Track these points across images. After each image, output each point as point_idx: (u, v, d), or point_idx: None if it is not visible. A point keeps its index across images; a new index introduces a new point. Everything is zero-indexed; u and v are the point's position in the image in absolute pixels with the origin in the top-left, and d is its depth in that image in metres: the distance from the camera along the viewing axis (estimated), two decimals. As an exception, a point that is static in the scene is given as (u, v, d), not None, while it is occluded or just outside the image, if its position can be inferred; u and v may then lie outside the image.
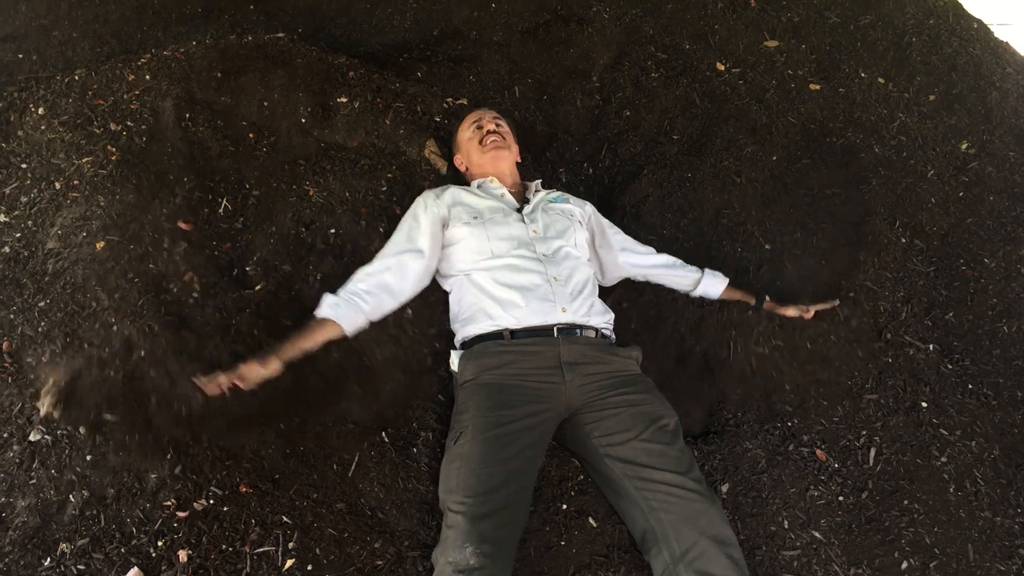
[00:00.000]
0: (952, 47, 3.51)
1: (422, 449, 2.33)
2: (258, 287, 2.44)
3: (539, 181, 2.88)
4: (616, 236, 2.83)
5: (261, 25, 3.62)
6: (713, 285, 2.76)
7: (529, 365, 2.30)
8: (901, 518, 2.23)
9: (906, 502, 2.27)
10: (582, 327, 2.40)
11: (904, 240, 2.88)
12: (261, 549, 1.89)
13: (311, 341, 2.25)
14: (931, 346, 2.63)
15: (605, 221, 2.86)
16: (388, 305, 2.43)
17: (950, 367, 2.59)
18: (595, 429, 2.23)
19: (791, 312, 2.67)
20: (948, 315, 2.72)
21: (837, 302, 2.69)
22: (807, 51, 3.56)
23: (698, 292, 2.77)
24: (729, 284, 2.77)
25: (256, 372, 2.09)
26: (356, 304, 2.33)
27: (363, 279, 2.40)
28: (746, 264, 2.90)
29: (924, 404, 2.49)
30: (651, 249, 2.84)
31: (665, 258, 2.82)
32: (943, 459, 2.37)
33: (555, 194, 2.81)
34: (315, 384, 2.25)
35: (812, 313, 2.66)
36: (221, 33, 3.47)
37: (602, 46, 3.66)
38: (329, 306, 2.30)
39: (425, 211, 2.60)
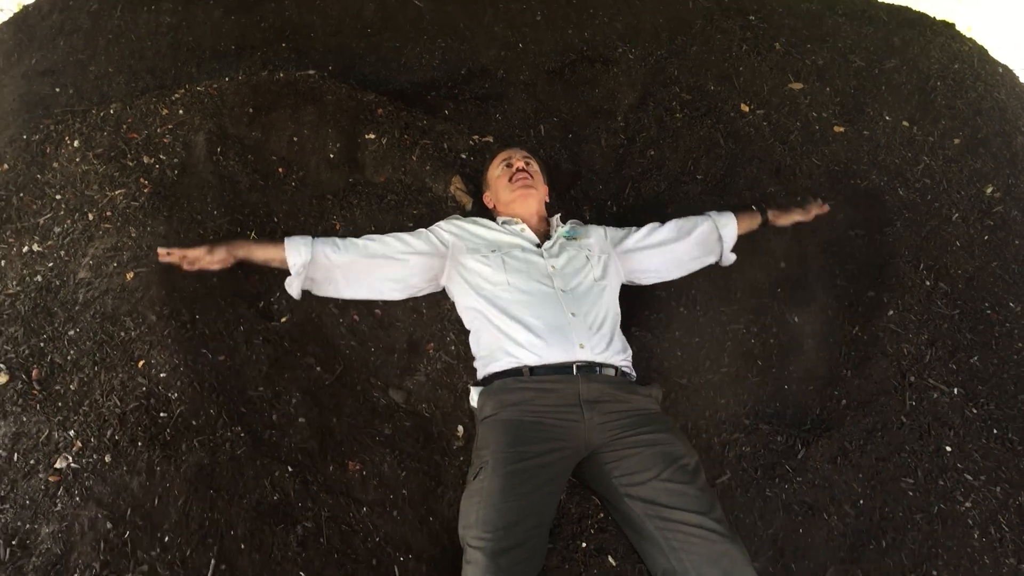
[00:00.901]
0: (977, 91, 3.50)
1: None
2: (283, 319, 2.48)
3: (559, 216, 2.90)
4: (632, 239, 2.85)
5: (292, 62, 3.67)
6: (727, 226, 2.90)
7: (548, 402, 2.31)
8: (924, 563, 2.21)
9: (930, 547, 2.24)
10: (601, 365, 2.40)
11: (928, 283, 2.86)
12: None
13: (261, 251, 2.51)
14: (955, 390, 2.60)
15: (619, 231, 2.88)
16: (341, 279, 2.59)
17: (975, 411, 2.56)
18: (615, 468, 2.23)
19: (796, 216, 2.98)
20: (973, 359, 2.68)
21: (827, 207, 3.01)
22: (831, 94, 3.57)
23: (725, 245, 2.91)
24: (736, 215, 2.93)
25: (204, 259, 2.40)
26: (310, 246, 2.49)
27: (343, 246, 2.55)
28: (764, 303, 2.92)
29: (948, 448, 2.46)
30: (658, 225, 2.89)
31: (672, 225, 2.88)
32: (967, 504, 2.34)
33: (569, 227, 2.83)
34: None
35: (813, 215, 2.98)
36: (253, 70, 3.52)
37: (627, 86, 3.70)
38: (299, 236, 2.52)
39: (440, 229, 2.70)
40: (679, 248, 2.84)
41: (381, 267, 2.59)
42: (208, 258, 2.38)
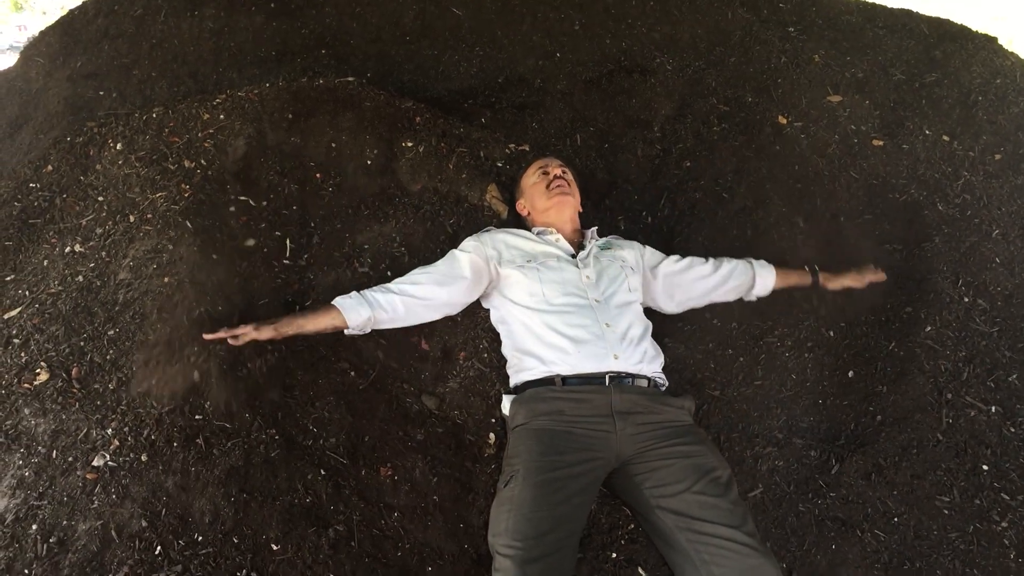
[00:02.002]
0: (1020, 106, 3.46)
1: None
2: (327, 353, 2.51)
3: (595, 228, 2.91)
4: (667, 264, 2.83)
5: (332, 69, 3.71)
6: (765, 279, 2.80)
7: (580, 412, 2.32)
8: (959, 584, 2.19)
9: (965, 567, 2.22)
10: (634, 376, 2.41)
11: (967, 299, 2.83)
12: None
13: (312, 323, 2.39)
14: (993, 408, 2.57)
15: (658, 254, 2.87)
16: (401, 320, 2.53)
17: (1012, 430, 2.53)
18: (646, 480, 2.23)
19: (848, 282, 2.84)
20: (1012, 377, 2.65)
21: (884, 275, 2.85)
22: (871, 107, 3.54)
23: (755, 293, 2.82)
24: (778, 268, 2.83)
25: (251, 335, 2.28)
26: (366, 302, 2.43)
27: (387, 290, 2.50)
28: (799, 320, 2.90)
29: (985, 467, 2.43)
30: (698, 260, 2.85)
31: (712, 263, 2.83)
32: (1004, 524, 2.31)
33: (607, 239, 2.84)
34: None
35: (866, 282, 2.84)
36: (293, 76, 3.57)
37: (664, 97, 3.69)
38: (341, 296, 2.43)
39: (477, 243, 2.68)
40: (711, 283, 2.81)
41: (437, 304, 2.59)
42: (255, 334, 2.30)
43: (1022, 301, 2.84)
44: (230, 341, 2.26)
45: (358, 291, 2.46)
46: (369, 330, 2.50)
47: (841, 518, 2.35)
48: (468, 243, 2.69)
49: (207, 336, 2.23)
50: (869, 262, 2.89)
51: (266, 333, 2.29)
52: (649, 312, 2.76)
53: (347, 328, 2.43)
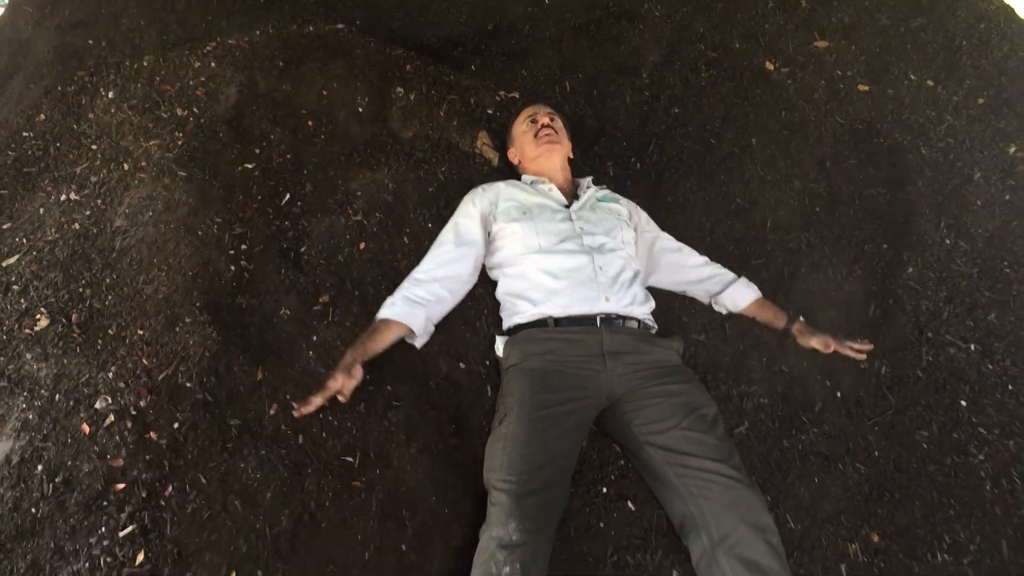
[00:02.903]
0: (1003, 51, 3.49)
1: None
2: (323, 300, 2.50)
3: (591, 178, 2.94)
4: (660, 238, 2.87)
5: (321, 16, 3.69)
6: (743, 294, 2.73)
7: (572, 352, 2.37)
8: (936, 513, 2.27)
9: (942, 498, 2.30)
10: (625, 317, 2.46)
11: (948, 241, 2.89)
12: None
13: (381, 343, 2.32)
14: (972, 346, 2.65)
15: (653, 225, 2.90)
16: (448, 303, 2.51)
17: (991, 367, 2.60)
18: (636, 417, 2.29)
19: (814, 343, 2.60)
20: (990, 316, 2.72)
21: (871, 347, 2.61)
22: (857, 52, 3.56)
23: (725, 300, 2.75)
24: (760, 298, 2.75)
25: (349, 384, 2.18)
26: (417, 305, 2.39)
27: (420, 282, 2.46)
28: (787, 261, 2.95)
29: (963, 403, 2.52)
30: (692, 251, 2.86)
31: (704, 259, 2.83)
32: (980, 456, 2.39)
33: (604, 192, 2.86)
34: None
35: (832, 349, 2.57)
36: (282, 24, 3.55)
37: (652, 43, 3.70)
38: (390, 306, 2.38)
39: (474, 207, 2.68)
40: (692, 276, 2.82)
41: (468, 274, 2.59)
42: (354, 381, 2.20)
43: (1002, 242, 2.89)
44: (342, 399, 2.18)
45: (391, 297, 2.43)
46: (432, 330, 2.47)
47: (823, 453, 2.42)
48: (464, 207, 2.71)
49: (307, 410, 2.12)
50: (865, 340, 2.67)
51: (358, 372, 2.21)
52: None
53: (415, 337, 2.40)
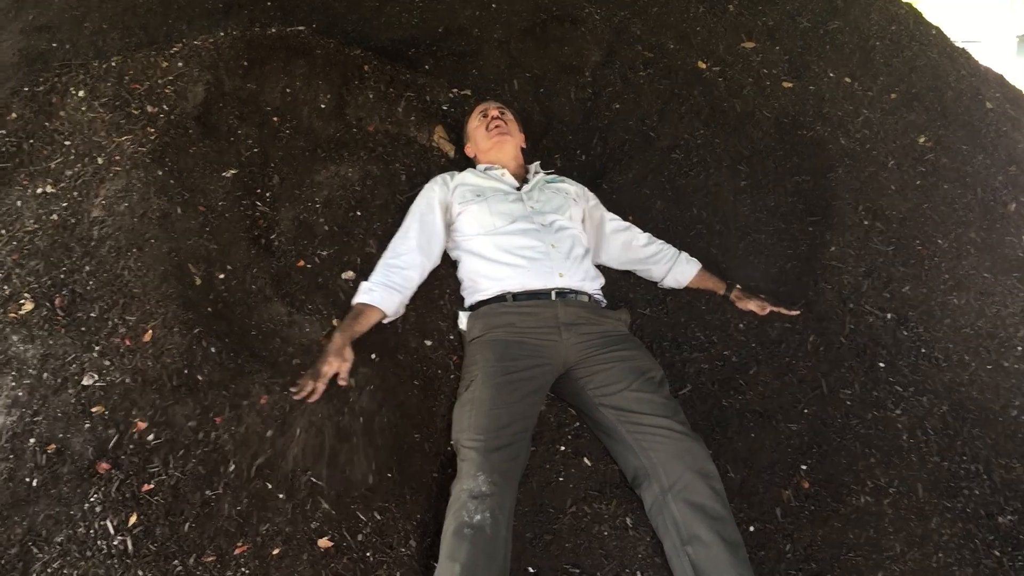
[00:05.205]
0: (912, 51, 3.71)
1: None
2: (292, 284, 2.63)
3: (538, 163, 3.11)
4: (608, 219, 3.04)
5: (278, 21, 3.76)
6: (685, 271, 2.97)
7: (530, 324, 2.54)
8: (859, 461, 2.48)
9: (864, 448, 2.51)
10: (577, 292, 2.64)
11: (866, 222, 3.11)
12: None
13: (363, 325, 2.44)
14: (889, 315, 2.87)
15: (602, 207, 3.07)
16: (417, 284, 2.64)
17: (905, 333, 2.83)
18: (589, 382, 2.47)
19: (751, 306, 2.90)
20: (905, 288, 2.94)
21: (799, 311, 2.89)
22: (781, 52, 3.75)
23: (669, 280, 2.99)
24: (701, 269, 2.99)
25: (345, 366, 2.30)
26: (395, 291, 2.52)
27: (393, 268, 2.59)
28: (723, 244, 3.18)
29: (882, 365, 2.73)
30: (638, 229, 3.05)
31: (648, 237, 3.03)
32: (897, 411, 2.60)
33: (552, 175, 3.04)
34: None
35: (768, 311, 2.88)
36: (241, 27, 3.61)
37: (594, 45, 3.84)
38: (368, 292, 2.49)
39: (434, 194, 2.81)
40: (638, 254, 3.01)
41: (436, 257, 2.75)
42: (348, 363, 2.32)
43: (914, 223, 3.13)
44: (341, 383, 2.28)
45: (367, 283, 2.53)
46: (403, 311, 2.61)
47: (759, 411, 2.62)
48: (425, 195, 2.83)
49: (305, 395, 2.21)
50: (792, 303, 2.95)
51: (349, 353, 2.33)
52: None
53: (388, 317, 2.53)
